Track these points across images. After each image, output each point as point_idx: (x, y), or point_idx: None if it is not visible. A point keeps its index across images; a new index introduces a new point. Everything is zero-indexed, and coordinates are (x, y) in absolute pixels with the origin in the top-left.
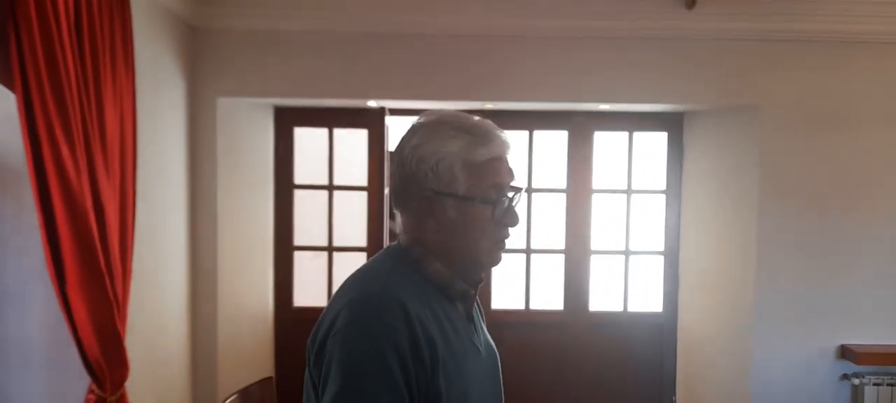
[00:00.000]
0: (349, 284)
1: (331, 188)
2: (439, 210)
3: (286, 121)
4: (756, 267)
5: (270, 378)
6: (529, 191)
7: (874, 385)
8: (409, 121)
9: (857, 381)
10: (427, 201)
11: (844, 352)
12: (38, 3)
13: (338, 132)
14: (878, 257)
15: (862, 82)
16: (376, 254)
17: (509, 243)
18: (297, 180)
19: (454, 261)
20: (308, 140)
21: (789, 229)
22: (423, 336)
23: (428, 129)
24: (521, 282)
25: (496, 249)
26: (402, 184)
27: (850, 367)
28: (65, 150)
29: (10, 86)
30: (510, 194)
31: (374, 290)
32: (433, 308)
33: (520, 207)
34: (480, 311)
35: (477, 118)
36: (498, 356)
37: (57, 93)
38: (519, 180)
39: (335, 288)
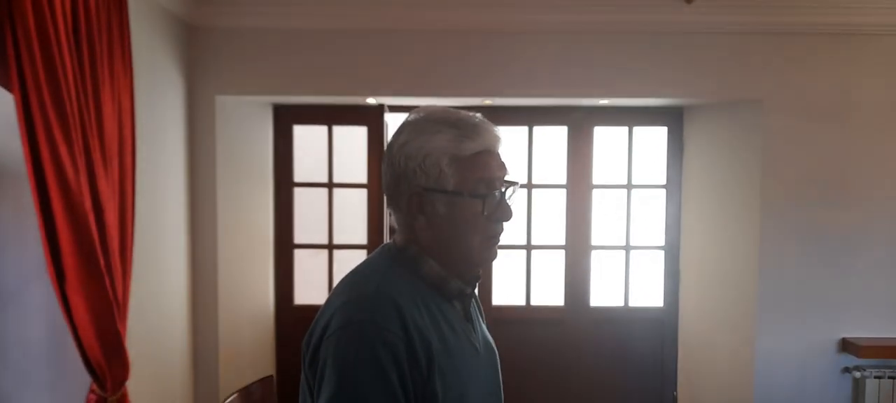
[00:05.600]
0: (343, 286)
1: (330, 185)
2: (429, 207)
3: (285, 118)
4: (757, 260)
5: (271, 376)
6: (530, 186)
7: (875, 378)
8: None
9: (858, 374)
10: (417, 198)
11: (846, 346)
12: (35, 4)
13: (337, 129)
14: (879, 250)
15: (865, 75)
16: (372, 254)
17: (510, 239)
18: (297, 178)
19: (447, 259)
20: (307, 137)
21: (791, 223)
22: (417, 336)
23: (414, 126)
24: (522, 278)
25: (488, 245)
26: (393, 182)
27: (852, 360)
28: (63, 150)
29: (8, 87)
30: (503, 188)
31: (368, 292)
32: (429, 307)
33: (514, 202)
34: (479, 309)
35: (465, 112)
36: (497, 354)
37: (55, 94)
38: (513, 174)
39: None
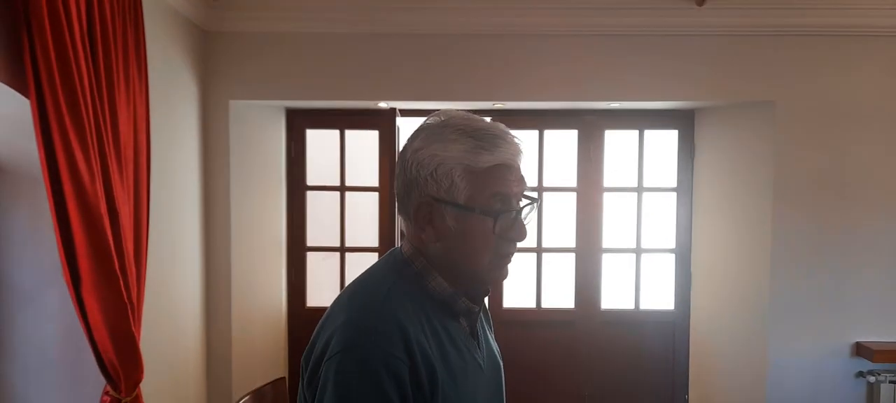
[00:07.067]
0: (345, 299)
1: (343, 189)
2: (438, 218)
3: (298, 122)
4: (770, 264)
5: (283, 378)
6: (540, 190)
7: (890, 382)
8: (420, 121)
9: (872, 379)
10: (426, 208)
11: (860, 350)
12: (50, 10)
13: (349, 133)
14: (893, 254)
15: (878, 77)
16: (377, 262)
17: (521, 242)
18: (310, 181)
19: (456, 275)
20: (320, 141)
21: (803, 226)
22: (421, 359)
23: (431, 132)
24: (533, 281)
25: (500, 265)
26: (404, 189)
27: (866, 365)
28: (79, 155)
29: (25, 92)
30: (519, 205)
31: (371, 311)
32: (434, 325)
33: (530, 219)
34: (487, 320)
35: (487, 121)
36: (502, 369)
37: (70, 99)
38: (531, 189)
39: None
